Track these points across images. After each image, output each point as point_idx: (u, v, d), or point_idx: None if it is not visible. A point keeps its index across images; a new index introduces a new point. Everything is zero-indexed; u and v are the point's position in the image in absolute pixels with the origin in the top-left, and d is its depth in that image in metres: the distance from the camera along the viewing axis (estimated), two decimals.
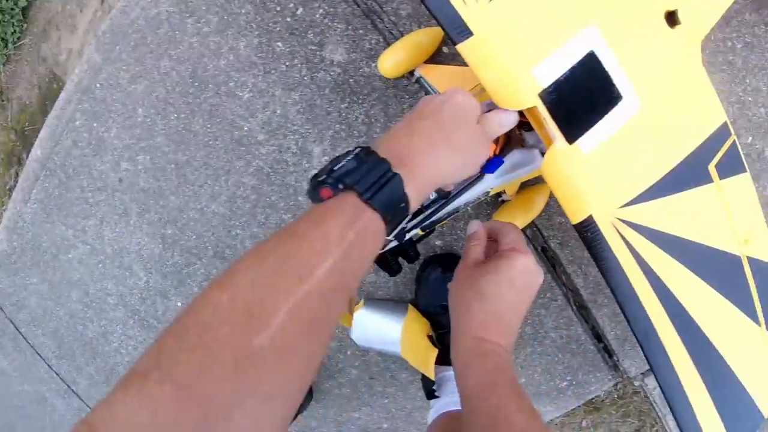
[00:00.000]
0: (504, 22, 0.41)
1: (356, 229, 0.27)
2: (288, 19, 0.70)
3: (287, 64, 0.71)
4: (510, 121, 0.42)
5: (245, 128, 0.74)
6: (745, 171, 0.55)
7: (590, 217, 0.46)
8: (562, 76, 0.43)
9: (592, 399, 0.87)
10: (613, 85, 0.45)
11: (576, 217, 0.46)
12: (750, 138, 0.79)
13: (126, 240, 0.87)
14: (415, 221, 0.49)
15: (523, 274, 0.43)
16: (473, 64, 0.42)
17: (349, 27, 0.68)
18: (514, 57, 0.42)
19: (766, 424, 0.55)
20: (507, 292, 0.43)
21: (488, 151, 0.42)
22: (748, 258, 0.55)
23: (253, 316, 0.23)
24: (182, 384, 0.22)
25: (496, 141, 0.50)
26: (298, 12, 0.69)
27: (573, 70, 0.43)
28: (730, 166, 0.54)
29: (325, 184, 0.29)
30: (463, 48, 0.41)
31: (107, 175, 0.86)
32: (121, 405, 0.21)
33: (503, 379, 0.40)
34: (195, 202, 0.80)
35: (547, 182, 0.46)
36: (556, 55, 0.43)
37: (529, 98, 0.42)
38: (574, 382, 0.84)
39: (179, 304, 0.86)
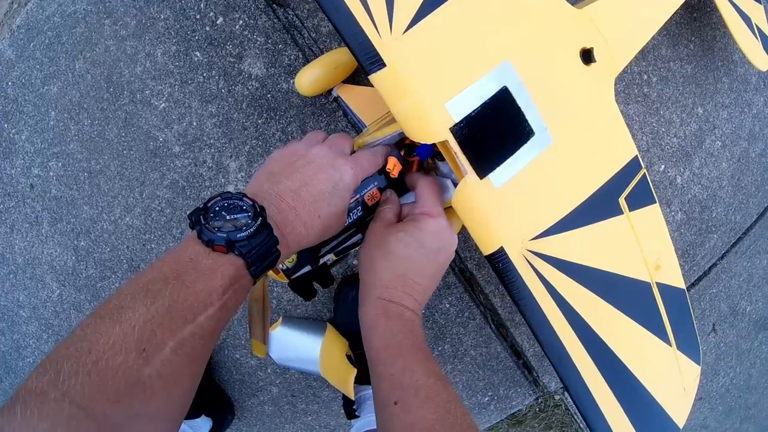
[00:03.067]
0: (418, 56, 0.39)
1: (235, 288, 0.30)
2: (207, 29, 0.64)
3: (205, 75, 0.65)
4: (378, 165, 0.42)
5: (160, 139, 0.67)
6: (654, 202, 0.55)
7: (501, 249, 0.44)
8: (473, 112, 0.41)
9: (515, 413, 0.86)
10: (525, 120, 0.44)
11: (487, 249, 0.44)
12: (663, 166, 0.79)
13: (38, 250, 0.78)
14: (329, 247, 0.46)
15: (433, 236, 0.41)
16: (385, 95, 0.39)
17: (269, 41, 0.62)
18: (426, 91, 0.39)
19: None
20: (415, 253, 0.40)
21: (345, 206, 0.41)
22: (658, 284, 0.55)
23: (145, 349, 0.25)
24: (79, 403, 0.23)
25: (410, 167, 0.47)
26: (218, 22, 0.63)
27: (485, 106, 0.41)
28: (640, 198, 0.53)
29: (222, 243, 0.30)
30: (375, 78, 0.39)
31: (18, 181, 0.77)
32: (22, 419, 0.22)
33: (409, 341, 0.38)
34: (109, 214, 0.72)
35: (458, 214, 0.43)
36: (469, 90, 0.41)
37: (440, 132, 0.39)
38: (495, 398, 0.82)
39: None
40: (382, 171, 0.47)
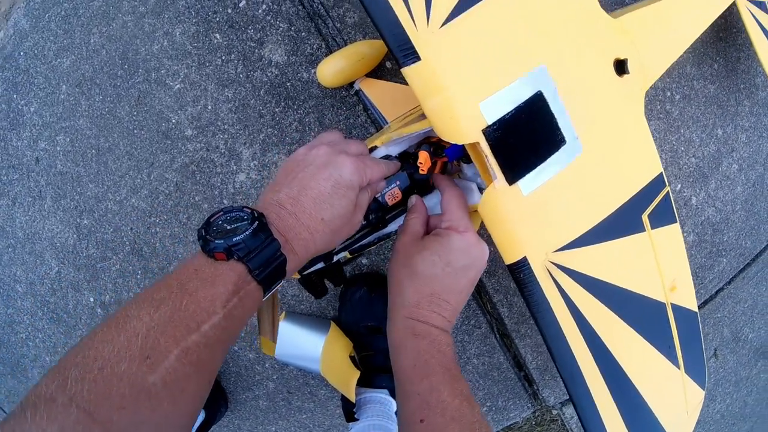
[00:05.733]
0: (454, 51, 0.37)
1: (240, 296, 0.30)
2: (229, 11, 0.61)
3: (223, 58, 0.62)
4: (386, 171, 0.41)
5: (173, 120, 0.65)
6: (675, 221, 0.53)
7: (524, 259, 0.42)
8: (508, 114, 0.38)
9: (511, 425, 0.83)
10: (557, 128, 0.41)
11: (510, 258, 0.42)
12: (679, 185, 0.77)
13: (39, 225, 0.75)
14: (343, 245, 0.44)
15: (461, 253, 0.40)
16: (417, 91, 0.37)
17: (292, 28, 0.60)
18: (461, 88, 0.37)
19: None
20: (441, 272, 0.39)
21: (359, 214, 0.38)
22: (672, 305, 0.53)
23: (149, 357, 0.25)
24: (86, 408, 0.23)
25: (432, 168, 0.44)
26: (241, 4, 0.61)
27: (519, 110, 0.39)
28: (662, 217, 0.52)
29: (221, 250, 0.30)
30: (408, 72, 0.36)
31: (23, 153, 0.74)
32: (32, 422, 0.23)
33: (436, 361, 0.37)
34: (114, 193, 0.69)
35: (483, 220, 0.41)
36: (504, 91, 0.38)
37: (473, 133, 0.37)
38: (493, 408, 0.80)
39: (91, 299, 0.75)
40: (406, 168, 0.44)
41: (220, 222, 0.32)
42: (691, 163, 0.76)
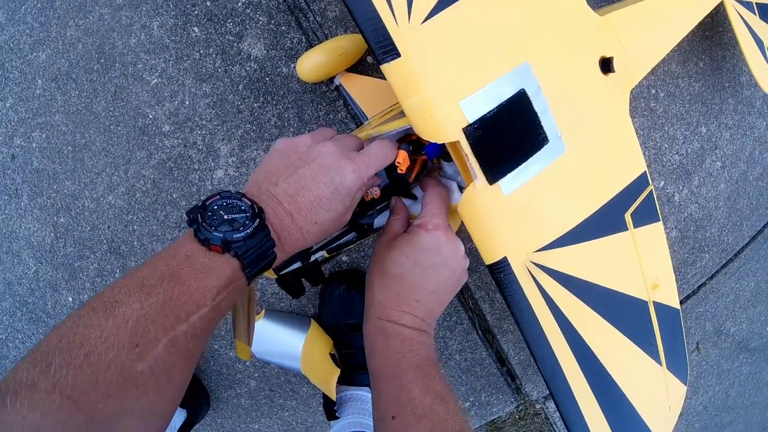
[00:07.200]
0: (435, 48, 0.35)
1: (230, 289, 0.29)
2: (208, 3, 0.59)
3: (201, 52, 0.60)
4: (387, 160, 0.38)
5: (150, 116, 0.62)
6: (658, 220, 0.53)
7: (504, 259, 0.41)
8: (489, 113, 0.37)
9: (494, 419, 0.82)
10: (540, 127, 0.40)
11: (489, 258, 0.41)
12: (662, 182, 0.76)
13: (16, 224, 0.73)
14: (320, 244, 0.42)
15: (430, 251, 0.39)
16: (396, 88, 0.35)
17: (272, 21, 0.58)
18: (441, 86, 0.35)
19: None
20: (409, 272, 0.38)
21: (350, 209, 0.37)
22: (655, 303, 0.53)
23: (138, 345, 0.25)
24: (70, 395, 0.22)
25: (412, 167, 0.43)
26: None
27: (501, 108, 0.37)
28: (645, 215, 0.51)
29: (218, 243, 0.29)
30: (388, 69, 0.35)
31: None
32: (12, 409, 0.22)
33: (407, 361, 0.37)
34: (91, 191, 0.67)
35: (463, 220, 0.40)
36: (486, 89, 0.37)
37: (453, 132, 0.36)
38: (476, 403, 0.79)
39: (70, 299, 0.73)
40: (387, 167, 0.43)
41: (215, 207, 0.31)
42: (674, 160, 0.75)
